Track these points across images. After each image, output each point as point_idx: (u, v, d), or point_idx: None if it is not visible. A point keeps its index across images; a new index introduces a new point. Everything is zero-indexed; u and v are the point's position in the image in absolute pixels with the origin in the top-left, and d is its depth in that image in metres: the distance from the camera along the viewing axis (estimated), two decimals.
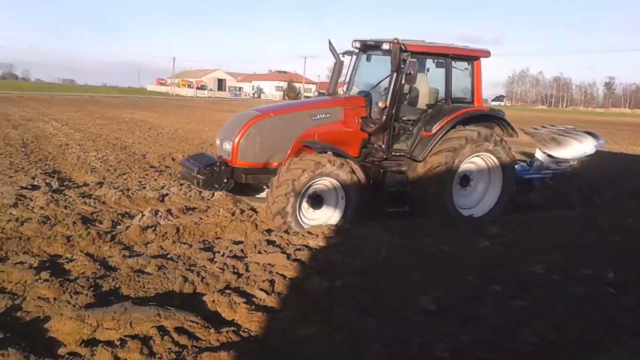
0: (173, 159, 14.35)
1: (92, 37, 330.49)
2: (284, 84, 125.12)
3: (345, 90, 9.43)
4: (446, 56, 8.75)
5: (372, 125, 8.36)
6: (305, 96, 77.04)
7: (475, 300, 4.94)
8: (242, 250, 6.18)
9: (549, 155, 10.91)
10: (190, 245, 6.38)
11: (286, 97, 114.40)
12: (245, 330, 4.21)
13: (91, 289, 4.85)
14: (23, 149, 15.24)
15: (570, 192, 10.32)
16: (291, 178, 7.37)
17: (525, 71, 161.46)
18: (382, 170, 8.43)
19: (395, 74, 8.13)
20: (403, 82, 8.20)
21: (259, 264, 5.66)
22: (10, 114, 27.96)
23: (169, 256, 5.96)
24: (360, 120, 8.51)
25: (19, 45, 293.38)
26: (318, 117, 8.25)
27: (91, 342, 3.85)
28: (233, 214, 8.08)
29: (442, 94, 8.89)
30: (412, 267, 5.76)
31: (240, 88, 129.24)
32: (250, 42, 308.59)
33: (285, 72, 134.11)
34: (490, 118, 9.14)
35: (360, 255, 6.12)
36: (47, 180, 10.25)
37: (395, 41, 8.07)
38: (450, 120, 8.50)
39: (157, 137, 19.99)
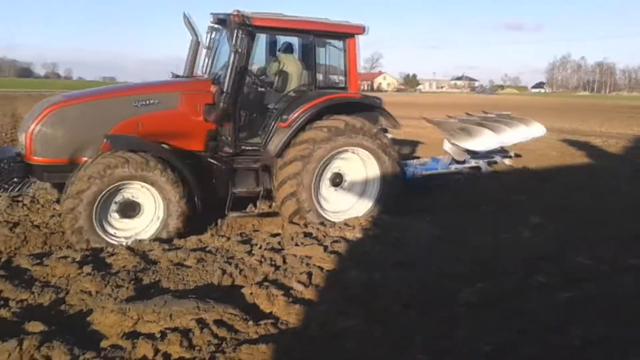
0: None
1: (132, 36, 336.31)
2: None
3: (204, 73, 8.07)
4: (306, 33, 7.50)
5: (213, 114, 7.09)
6: None
7: (520, 292, 4.80)
8: (279, 243, 6.17)
9: (468, 150, 9.68)
10: (229, 238, 6.40)
11: None
12: (284, 322, 4.19)
13: (132, 282, 4.90)
14: None
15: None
16: (77, 190, 6.16)
17: (567, 57, 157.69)
18: (225, 168, 7.23)
19: (234, 54, 6.94)
20: (245, 62, 7.09)
21: (296, 256, 5.64)
22: None
23: (207, 249, 5.99)
24: (205, 107, 7.16)
25: (62, 46, 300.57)
26: (144, 103, 6.92)
27: (132, 335, 3.88)
28: (270, 207, 8.07)
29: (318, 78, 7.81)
30: (454, 259, 5.65)
31: None
32: None
33: None
34: (362, 106, 7.80)
35: (400, 248, 6.05)
36: None
37: (236, 13, 6.88)
38: (308, 109, 7.23)
39: None
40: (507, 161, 11.00)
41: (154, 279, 5.04)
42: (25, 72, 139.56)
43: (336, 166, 7.61)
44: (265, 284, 4.83)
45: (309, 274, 5.09)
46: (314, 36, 7.49)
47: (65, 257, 5.60)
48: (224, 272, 5.14)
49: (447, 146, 9.64)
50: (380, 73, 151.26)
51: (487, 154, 10.36)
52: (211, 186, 7.12)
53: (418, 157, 10.72)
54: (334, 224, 7.04)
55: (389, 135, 8.32)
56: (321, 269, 5.28)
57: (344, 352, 3.76)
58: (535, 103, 61.21)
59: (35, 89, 57.58)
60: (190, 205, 6.61)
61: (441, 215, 7.54)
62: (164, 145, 6.88)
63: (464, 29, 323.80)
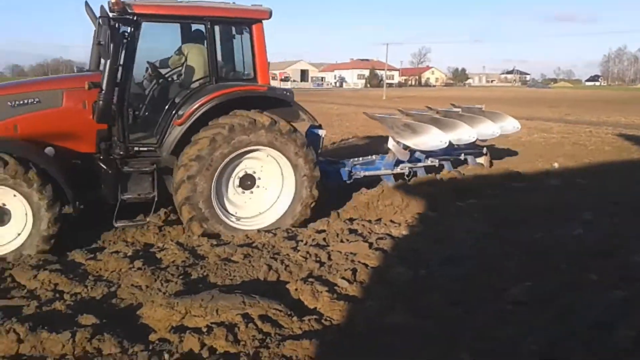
0: None
1: None
2: (367, 72, 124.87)
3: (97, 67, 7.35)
4: (200, 19, 6.82)
5: (95, 113, 6.39)
6: (387, 84, 76.27)
7: (570, 290, 4.66)
8: (324, 239, 6.19)
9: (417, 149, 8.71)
10: (275, 234, 6.45)
11: (368, 85, 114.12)
12: (328, 318, 4.20)
13: (181, 277, 5.01)
14: None
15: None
16: None
17: (623, 49, 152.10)
18: (112, 172, 6.55)
19: (113, 46, 6.16)
20: (129, 54, 6.47)
21: (341, 252, 5.64)
22: None
23: (254, 245, 6.06)
24: (93, 105, 6.45)
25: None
26: (21, 103, 6.30)
27: (180, 329, 3.97)
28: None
29: (227, 69, 7.32)
30: (502, 256, 5.54)
31: (322, 78, 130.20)
32: (332, 32, 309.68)
33: (367, 59, 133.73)
34: (269, 100, 7.06)
35: (447, 244, 5.97)
36: None
37: (114, 1, 6.18)
38: (203, 104, 6.61)
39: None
40: (480, 160, 10.27)
41: (201, 274, 5.14)
42: (79, 72, 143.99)
43: (246, 167, 6.99)
44: (310, 280, 4.85)
45: (354, 271, 5.08)
46: (210, 23, 6.79)
47: (117, 252, 5.77)
48: (269, 267, 5.19)
49: (390, 144, 8.71)
50: (428, 68, 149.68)
51: (453, 152, 9.66)
52: (99, 192, 6.60)
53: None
54: (244, 231, 6.58)
55: (322, 133, 7.90)
56: (366, 265, 5.26)
57: (388, 349, 3.74)
58: (588, 96, 59.32)
59: None
60: (59, 213, 6.03)
61: (490, 212, 7.39)
62: (49, 148, 6.33)
63: (513, 22, 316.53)
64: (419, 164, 9.17)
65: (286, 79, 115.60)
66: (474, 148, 10.14)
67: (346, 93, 75.44)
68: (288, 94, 7.33)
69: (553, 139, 16.31)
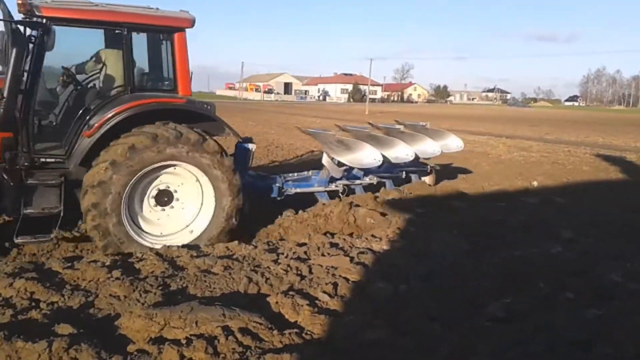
0: None
1: None
2: (350, 87, 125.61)
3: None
4: (116, 25, 6.42)
5: None
6: (370, 99, 76.72)
7: (548, 308, 4.72)
8: (305, 253, 6.18)
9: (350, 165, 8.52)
10: (255, 247, 6.43)
11: (351, 99, 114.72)
12: (308, 332, 4.19)
13: (160, 288, 4.96)
14: None
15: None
16: None
17: (602, 70, 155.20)
18: (13, 184, 6.13)
19: (14, 51, 5.79)
20: (36, 60, 6.07)
21: (322, 266, 5.63)
22: None
23: (234, 257, 6.03)
24: None
25: None
26: None
27: (159, 340, 3.93)
28: (297, 214, 8.08)
29: (146, 79, 7.00)
30: (481, 272, 5.60)
31: (306, 91, 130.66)
32: (317, 46, 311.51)
33: (350, 74, 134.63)
34: (188, 113, 6.75)
35: (426, 260, 6.00)
36: None
37: (21, 2, 5.85)
38: (114, 116, 6.25)
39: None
40: (425, 178, 10.12)
41: (181, 285, 5.10)
42: None
43: (163, 182, 6.70)
44: (291, 293, 4.84)
45: (335, 285, 5.08)
46: (127, 29, 6.44)
47: (95, 262, 5.70)
48: (250, 280, 5.17)
49: (324, 160, 8.45)
50: (410, 84, 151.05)
51: (394, 170, 9.53)
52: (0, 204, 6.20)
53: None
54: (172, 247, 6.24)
55: (252, 147, 7.78)
56: (347, 279, 5.27)
57: None
58: (567, 116, 60.28)
59: None
60: None
61: (469, 229, 7.46)
62: None
63: (495, 41, 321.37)
64: (357, 182, 8.99)
65: (269, 92, 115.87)
66: (419, 166, 10.02)
67: (329, 107, 75.82)
68: (208, 107, 7.00)
69: (532, 158, 16.55)
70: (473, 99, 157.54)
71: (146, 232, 6.60)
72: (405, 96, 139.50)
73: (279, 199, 8.25)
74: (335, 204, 8.10)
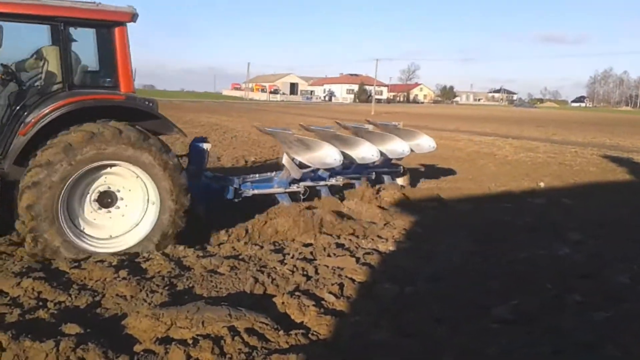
0: (246, 162, 14.61)
1: (171, 45, 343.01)
2: (356, 87, 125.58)
3: None
4: (52, 20, 6.14)
5: None
6: (376, 99, 76.61)
7: (555, 310, 4.70)
8: (311, 253, 6.19)
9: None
10: (262, 247, 6.44)
11: (357, 100, 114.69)
12: (314, 333, 4.19)
13: (166, 287, 4.98)
14: None
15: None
16: None
17: (609, 71, 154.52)
18: None
19: None
20: None
21: (328, 267, 5.64)
22: None
23: (240, 257, 6.04)
24: None
25: None
26: None
27: (165, 340, 3.93)
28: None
29: (86, 75, 6.68)
30: (488, 274, 5.58)
31: (311, 92, 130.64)
32: (323, 46, 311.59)
33: (356, 75, 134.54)
34: (129, 111, 6.42)
35: (432, 261, 5.99)
36: None
37: None
38: (48, 113, 6.00)
39: (231, 141, 20.45)
40: (399, 180, 9.87)
41: (187, 285, 5.11)
42: None
43: (104, 183, 6.36)
44: (297, 293, 4.85)
45: (341, 285, 5.08)
46: (64, 24, 6.15)
47: (101, 261, 5.72)
48: (256, 280, 5.18)
49: (284, 160, 8.15)
50: (417, 84, 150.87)
51: (364, 171, 9.26)
52: None
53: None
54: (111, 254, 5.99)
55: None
56: (353, 280, 5.27)
57: None
58: (574, 117, 60.04)
59: None
60: None
61: (476, 230, 7.44)
62: None
63: (502, 42, 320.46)
64: (321, 183, 8.72)
65: (275, 92, 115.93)
66: (391, 167, 9.81)
67: (335, 107, 75.86)
68: (150, 104, 6.69)
69: (539, 159, 16.50)
70: (479, 99, 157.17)
71: (89, 235, 6.26)
72: (412, 97, 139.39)
73: (236, 200, 7.87)
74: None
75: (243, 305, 4.44)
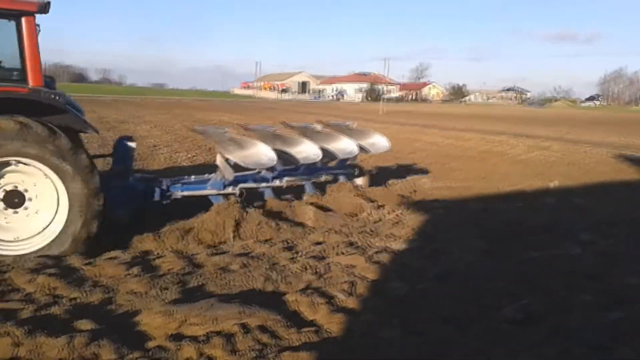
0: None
1: (182, 43, 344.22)
2: (366, 86, 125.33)
3: None
4: None
5: None
6: (386, 98, 76.42)
7: (565, 311, 4.68)
8: (322, 251, 6.20)
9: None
10: (273, 245, 6.46)
11: (368, 98, 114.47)
12: (326, 330, 4.21)
13: (178, 285, 5.02)
14: None
15: None
16: None
17: (619, 71, 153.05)
18: None
19: None
20: None
21: (339, 265, 5.66)
22: (104, 116, 29.44)
23: (252, 255, 6.07)
24: None
25: (117, 52, 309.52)
26: None
27: (177, 337, 3.98)
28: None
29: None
30: (497, 274, 5.56)
31: (321, 91, 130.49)
32: (333, 45, 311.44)
33: (366, 74, 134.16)
34: (38, 105, 6.00)
35: (443, 260, 5.99)
36: None
37: None
38: None
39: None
40: (358, 180, 9.51)
41: (199, 282, 5.15)
42: (78, 77, 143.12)
43: (10, 182, 6.03)
44: (308, 291, 4.87)
45: (352, 283, 5.09)
46: None
47: (114, 258, 5.77)
48: (267, 278, 5.20)
49: (218, 160, 7.84)
50: (427, 83, 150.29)
51: (314, 172, 8.93)
52: None
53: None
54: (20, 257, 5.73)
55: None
56: (364, 278, 5.28)
57: None
58: (586, 116, 59.63)
59: (88, 93, 59.51)
60: None
61: (487, 230, 7.41)
62: None
63: (515, 40, 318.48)
64: (264, 184, 8.36)
65: (285, 91, 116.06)
66: (345, 168, 9.50)
67: (344, 106, 75.76)
68: (57, 97, 6.19)
69: (551, 158, 16.40)
70: (492, 97, 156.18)
71: None
72: (422, 96, 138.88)
73: (164, 203, 7.52)
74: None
75: (254, 303, 4.47)
